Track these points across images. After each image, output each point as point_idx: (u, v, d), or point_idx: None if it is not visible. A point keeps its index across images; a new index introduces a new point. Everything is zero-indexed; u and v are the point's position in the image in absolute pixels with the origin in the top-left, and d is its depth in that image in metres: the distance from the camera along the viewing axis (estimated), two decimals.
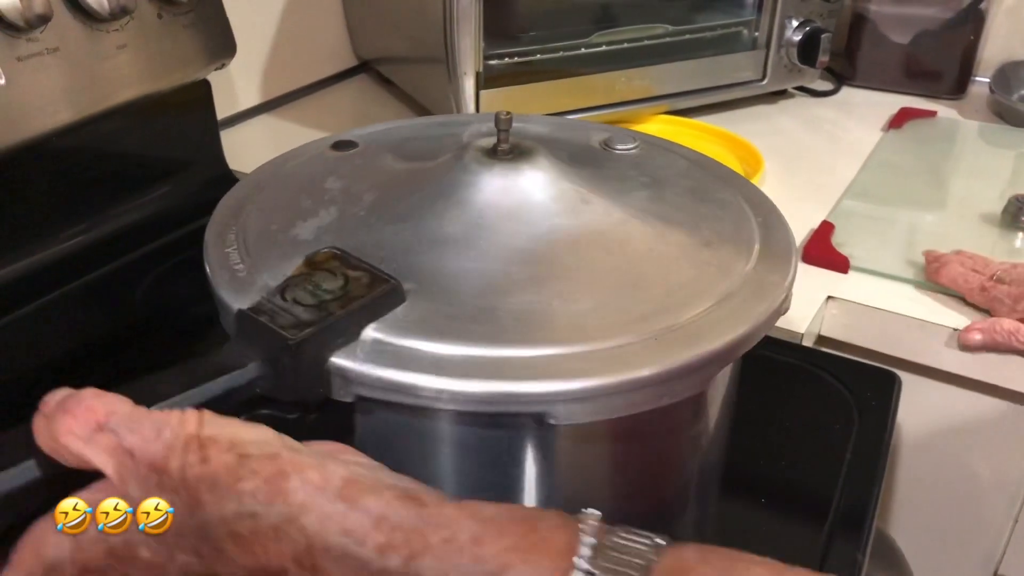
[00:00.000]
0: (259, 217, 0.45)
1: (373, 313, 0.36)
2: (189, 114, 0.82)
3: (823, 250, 0.74)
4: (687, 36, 1.00)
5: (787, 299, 0.41)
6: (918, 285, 0.71)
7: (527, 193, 0.43)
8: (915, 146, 0.99)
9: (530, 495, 0.39)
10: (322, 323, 0.34)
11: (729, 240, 0.43)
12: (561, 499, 0.40)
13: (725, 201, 0.47)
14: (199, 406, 0.32)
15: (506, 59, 0.91)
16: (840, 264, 0.73)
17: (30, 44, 0.62)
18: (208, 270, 0.41)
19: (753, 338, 0.39)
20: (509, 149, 0.44)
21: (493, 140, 0.45)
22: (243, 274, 0.40)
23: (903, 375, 0.61)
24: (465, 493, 0.38)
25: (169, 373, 0.34)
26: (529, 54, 0.93)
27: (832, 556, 0.48)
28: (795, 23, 1.02)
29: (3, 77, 0.60)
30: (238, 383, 0.34)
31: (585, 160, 0.50)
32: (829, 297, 0.70)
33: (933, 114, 1.05)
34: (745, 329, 0.38)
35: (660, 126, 0.99)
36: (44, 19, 0.61)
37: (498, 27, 0.90)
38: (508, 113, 0.44)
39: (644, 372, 0.34)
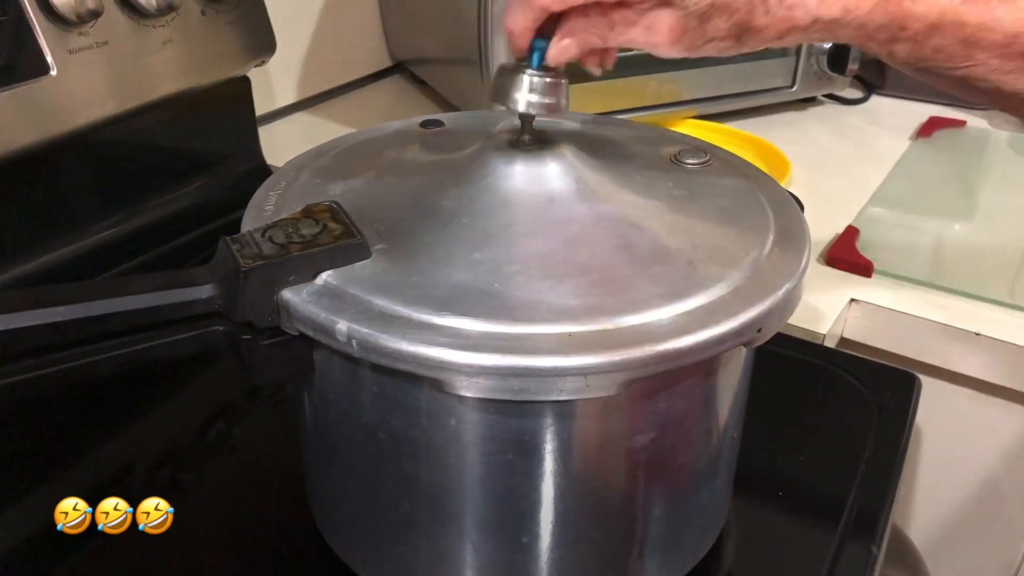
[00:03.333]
0: (314, 173, 0.49)
1: (331, 261, 0.39)
2: (229, 109, 0.84)
3: (847, 254, 0.75)
4: None
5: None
6: (941, 290, 0.71)
7: (530, 183, 0.44)
8: (944, 155, 0.99)
9: (457, 454, 0.40)
10: (276, 259, 0.38)
11: (717, 264, 0.40)
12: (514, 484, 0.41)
13: (753, 227, 0.44)
14: (162, 308, 0.39)
15: None
16: (864, 268, 0.73)
17: (81, 38, 0.64)
18: (246, 208, 0.45)
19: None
20: (531, 141, 0.46)
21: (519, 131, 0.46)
22: (268, 214, 0.44)
23: (924, 379, 0.62)
24: (388, 445, 0.41)
25: (142, 276, 0.39)
26: None
27: (848, 548, 0.49)
28: None
29: (55, 68, 0.63)
30: (199, 296, 0.39)
31: (623, 162, 0.49)
32: (852, 300, 0.71)
33: (962, 124, 1.05)
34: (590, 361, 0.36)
35: (689, 130, 1.00)
36: (95, 14, 0.64)
37: None
38: None
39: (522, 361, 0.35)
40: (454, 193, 0.44)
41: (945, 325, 0.68)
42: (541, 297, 0.38)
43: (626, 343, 0.36)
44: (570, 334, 0.36)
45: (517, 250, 0.41)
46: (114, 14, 0.67)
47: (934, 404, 0.67)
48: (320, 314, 0.37)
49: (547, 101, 0.44)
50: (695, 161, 0.51)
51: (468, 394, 0.36)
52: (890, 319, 0.70)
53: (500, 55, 0.88)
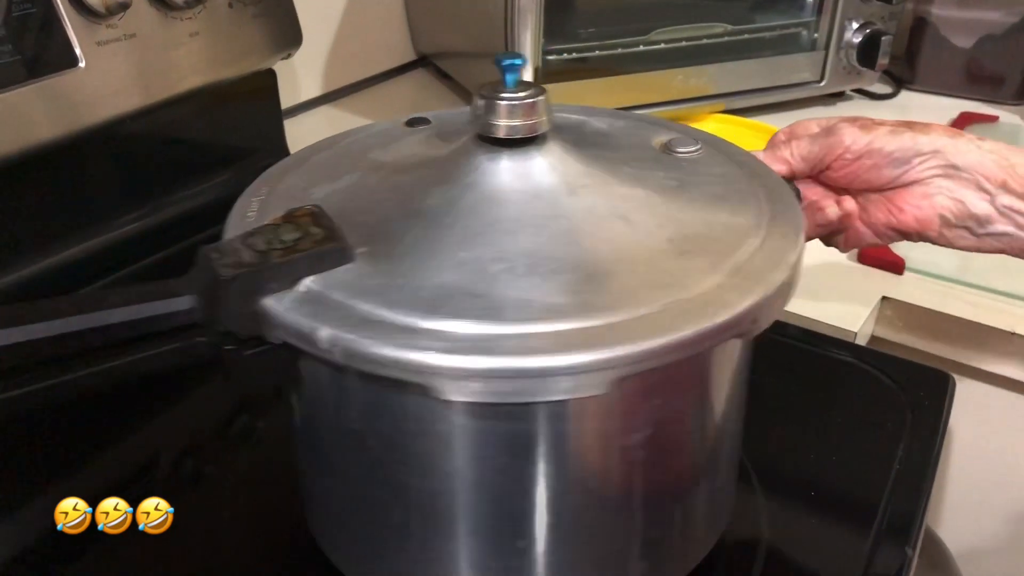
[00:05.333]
0: (299, 176, 0.47)
1: (313, 267, 0.38)
2: (255, 102, 0.84)
3: (879, 251, 0.74)
4: (746, 36, 1.00)
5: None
6: (974, 288, 0.70)
7: (516, 179, 0.43)
8: None
9: (453, 462, 0.39)
10: (257, 267, 0.37)
11: (710, 254, 0.40)
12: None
13: (746, 215, 0.43)
14: (141, 321, 0.37)
15: (564, 55, 0.92)
16: (895, 265, 0.72)
17: (109, 30, 0.64)
18: (228, 215, 0.44)
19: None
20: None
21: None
22: (251, 220, 0.43)
23: (957, 378, 0.61)
24: (378, 452, 0.40)
25: (121, 290, 0.38)
26: (587, 50, 0.93)
27: (882, 551, 0.48)
28: (855, 25, 1.01)
29: (83, 61, 0.63)
30: (178, 308, 0.38)
31: (612, 154, 0.48)
32: (884, 298, 0.70)
33: (995, 119, 1.04)
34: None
35: (716, 125, 0.99)
36: (124, 6, 0.64)
37: (558, 23, 0.91)
38: None
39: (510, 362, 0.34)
40: (438, 192, 0.43)
41: (979, 324, 0.66)
42: (528, 295, 0.37)
43: (616, 340, 0.34)
44: (558, 332, 0.35)
45: (503, 248, 0.39)
46: (142, 6, 0.67)
47: (968, 404, 0.66)
48: (302, 322, 0.36)
49: (528, 122, 0.43)
50: (686, 150, 0.49)
51: (455, 398, 0.35)
52: (922, 317, 0.69)
53: (526, 48, 0.87)
